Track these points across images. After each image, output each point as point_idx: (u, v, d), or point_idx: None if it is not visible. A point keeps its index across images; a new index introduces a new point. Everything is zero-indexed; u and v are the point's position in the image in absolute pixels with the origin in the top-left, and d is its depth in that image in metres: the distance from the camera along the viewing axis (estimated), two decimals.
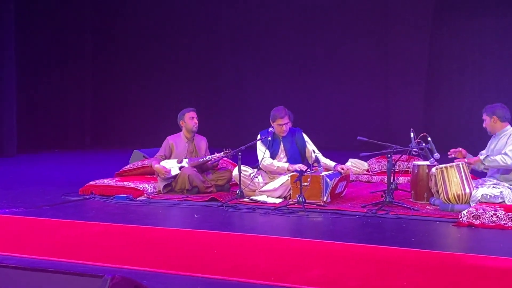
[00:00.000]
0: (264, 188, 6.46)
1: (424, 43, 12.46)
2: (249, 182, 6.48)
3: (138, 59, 14.71)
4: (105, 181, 7.05)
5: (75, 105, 14.47)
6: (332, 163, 6.47)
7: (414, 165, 6.33)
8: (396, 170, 6.52)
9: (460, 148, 6.08)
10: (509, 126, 5.86)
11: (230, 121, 13.91)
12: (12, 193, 7.16)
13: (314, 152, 6.40)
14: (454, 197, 5.62)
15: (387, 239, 4.73)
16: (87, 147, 14.45)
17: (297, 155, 6.59)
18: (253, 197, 6.34)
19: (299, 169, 6.13)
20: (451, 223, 5.23)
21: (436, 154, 5.91)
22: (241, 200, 6.29)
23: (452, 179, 5.66)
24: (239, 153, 6.41)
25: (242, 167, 6.44)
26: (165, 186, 6.86)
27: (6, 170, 9.77)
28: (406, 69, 12.63)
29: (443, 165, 5.77)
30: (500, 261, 4.05)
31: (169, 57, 14.52)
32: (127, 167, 7.63)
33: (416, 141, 6.13)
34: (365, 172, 8.00)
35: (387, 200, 5.83)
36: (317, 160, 6.16)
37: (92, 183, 7.01)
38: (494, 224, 5.07)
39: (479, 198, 5.49)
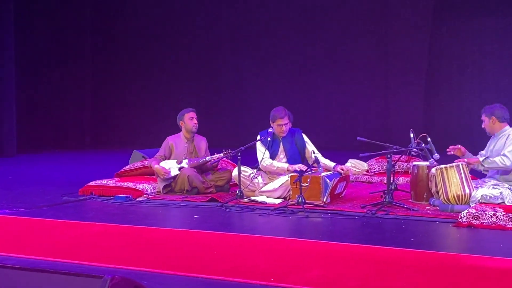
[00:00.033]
0: (264, 189, 6.46)
1: (424, 43, 12.46)
2: (248, 183, 6.48)
3: (138, 59, 14.71)
4: (105, 181, 7.05)
5: (75, 105, 14.47)
6: (331, 164, 6.47)
7: (413, 165, 6.33)
8: (395, 171, 6.52)
9: (459, 145, 6.08)
10: (508, 127, 5.86)
11: (230, 122, 13.92)
12: (12, 194, 7.17)
13: (314, 153, 6.39)
14: (454, 197, 5.62)
15: (386, 240, 4.73)
16: (87, 147, 14.45)
17: (296, 155, 6.59)
18: (252, 198, 6.34)
19: (299, 169, 6.13)
20: (451, 223, 5.23)
21: (436, 154, 5.91)
22: (241, 200, 6.29)
23: (452, 179, 5.66)
24: (239, 154, 6.41)
25: (242, 168, 6.44)
26: (164, 187, 6.85)
27: (6, 170, 9.77)
28: (406, 69, 12.64)
29: (442, 166, 5.77)
30: (500, 261, 4.05)
31: (169, 57, 14.53)
32: (127, 167, 7.63)
33: (415, 141, 6.13)
34: (365, 172, 8.00)
35: (386, 200, 5.83)
36: (316, 160, 6.16)
37: (91, 183, 7.01)
38: (493, 225, 5.07)
39: (478, 198, 5.49)
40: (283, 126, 6.51)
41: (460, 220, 5.16)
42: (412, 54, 12.55)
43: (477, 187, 5.69)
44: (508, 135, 5.77)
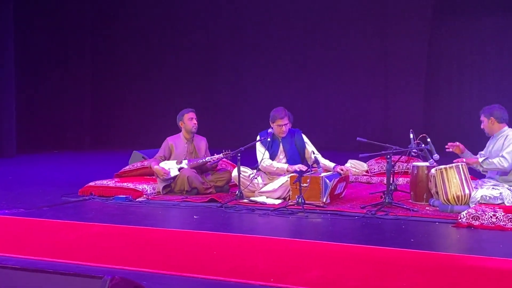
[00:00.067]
0: (264, 189, 6.46)
1: (424, 44, 12.46)
2: (248, 183, 6.48)
3: (138, 60, 14.71)
4: (105, 182, 7.04)
5: (74, 106, 14.45)
6: (331, 164, 6.47)
7: (413, 166, 6.33)
8: (395, 171, 6.52)
9: (457, 143, 6.06)
10: (506, 127, 5.86)
11: (229, 122, 13.91)
12: (11, 194, 7.16)
13: (314, 153, 6.39)
14: (454, 198, 5.62)
15: (386, 240, 4.73)
16: (87, 148, 14.44)
17: (296, 156, 6.59)
18: (252, 198, 6.34)
19: (298, 170, 6.14)
20: (451, 224, 5.24)
21: (436, 155, 5.91)
22: (241, 201, 6.29)
23: (452, 180, 5.66)
24: (239, 154, 6.41)
25: (242, 168, 6.44)
26: (164, 187, 6.85)
27: (6, 170, 9.76)
28: (406, 70, 12.64)
29: (442, 166, 5.77)
30: (500, 262, 4.05)
31: (169, 57, 14.52)
32: (127, 168, 7.62)
33: (415, 142, 6.13)
34: (365, 173, 8.00)
35: (386, 201, 5.83)
36: (316, 161, 6.16)
37: (91, 184, 7.01)
38: (493, 225, 5.07)
39: (478, 199, 5.50)
40: (283, 126, 6.52)
41: (460, 220, 5.16)
42: (412, 54, 12.55)
43: (476, 188, 5.69)
44: (507, 136, 5.77)
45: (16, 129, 12.08)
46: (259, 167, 6.53)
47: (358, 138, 6.32)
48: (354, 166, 7.95)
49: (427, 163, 6.09)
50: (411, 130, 6.22)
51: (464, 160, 5.88)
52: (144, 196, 6.72)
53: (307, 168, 6.21)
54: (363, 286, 3.57)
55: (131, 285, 2.56)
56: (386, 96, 12.90)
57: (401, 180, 7.17)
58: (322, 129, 12.39)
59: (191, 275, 3.78)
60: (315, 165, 6.13)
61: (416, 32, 12.51)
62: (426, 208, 5.88)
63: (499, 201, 5.46)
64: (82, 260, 4.10)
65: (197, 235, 4.95)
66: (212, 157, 6.89)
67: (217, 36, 14.25)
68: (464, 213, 5.20)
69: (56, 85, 14.02)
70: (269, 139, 6.52)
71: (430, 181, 5.98)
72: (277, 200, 6.32)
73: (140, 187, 6.82)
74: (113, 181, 7.07)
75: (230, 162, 7.63)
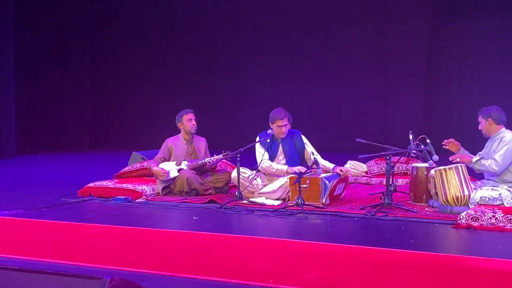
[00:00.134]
0: (263, 190, 6.46)
1: (424, 44, 12.46)
2: (248, 184, 6.48)
3: (138, 60, 14.70)
4: (104, 183, 7.04)
5: (74, 106, 14.44)
6: (330, 165, 6.47)
7: (413, 167, 6.33)
8: (395, 172, 6.52)
9: (452, 139, 6.05)
10: (504, 129, 5.86)
11: (229, 123, 13.91)
12: (11, 195, 7.16)
13: (313, 154, 6.39)
14: (453, 199, 5.62)
15: (386, 241, 4.74)
16: (86, 149, 14.43)
17: (296, 157, 6.59)
18: (252, 199, 6.34)
19: (298, 171, 6.13)
20: (450, 225, 5.24)
21: (435, 156, 5.91)
22: (240, 202, 6.29)
23: (451, 181, 5.66)
24: (238, 155, 6.41)
25: (241, 169, 6.44)
26: (163, 188, 6.85)
27: (5, 171, 9.76)
28: (406, 70, 12.63)
29: (442, 167, 5.77)
30: (499, 263, 4.05)
31: (169, 57, 14.52)
32: (126, 169, 7.62)
33: (415, 143, 6.13)
34: (364, 174, 7.99)
35: (386, 202, 5.84)
36: (316, 162, 6.16)
37: (91, 185, 7.01)
38: (492, 226, 5.07)
39: (477, 200, 5.50)
40: (283, 127, 6.52)
41: (459, 221, 5.16)
42: (412, 54, 12.55)
43: (476, 189, 5.69)
44: (501, 139, 5.76)
45: (15, 129, 12.06)
46: (259, 168, 6.53)
47: (357, 139, 6.32)
48: (354, 167, 7.95)
49: (426, 164, 6.09)
50: (410, 131, 6.22)
51: (458, 158, 5.87)
52: (144, 197, 6.72)
53: (306, 169, 6.21)
54: (363, 287, 3.57)
55: (131, 286, 2.56)
56: (385, 96, 12.90)
57: (400, 181, 7.17)
58: (321, 130, 12.39)
59: (190, 276, 3.78)
60: (314, 166, 6.13)
61: (416, 32, 12.51)
62: (426, 209, 5.88)
63: (499, 202, 5.46)
64: (82, 261, 4.11)
65: (196, 236, 4.95)
66: (211, 158, 6.89)
67: (217, 36, 14.25)
68: (463, 214, 5.20)
69: (56, 85, 14.01)
70: (268, 140, 6.52)
71: (430, 182, 5.98)
72: (277, 201, 6.32)
73: (140, 188, 6.82)
74: (113, 182, 7.07)
75: (230, 163, 7.63)
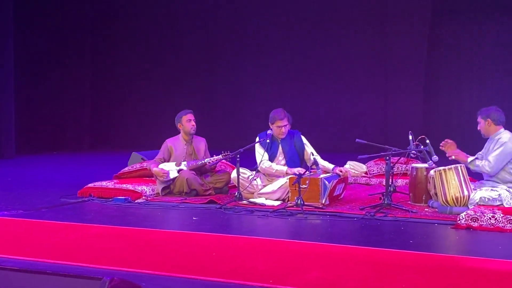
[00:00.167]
0: (263, 191, 6.46)
1: (423, 45, 12.46)
2: (247, 185, 6.48)
3: (138, 60, 14.69)
4: (104, 183, 7.04)
5: (74, 106, 14.44)
6: (330, 166, 6.47)
7: (412, 167, 6.33)
8: (394, 173, 6.52)
9: (447, 140, 6.02)
10: (502, 130, 5.85)
11: (229, 123, 13.91)
12: (10, 195, 7.16)
13: (313, 155, 6.39)
14: (453, 199, 5.62)
15: (385, 242, 4.74)
16: (86, 149, 14.43)
17: (295, 157, 6.59)
18: (251, 200, 6.34)
19: (297, 173, 6.13)
20: (450, 225, 5.24)
21: (435, 156, 5.91)
22: (240, 202, 6.29)
23: (451, 181, 5.66)
24: (238, 156, 6.42)
25: (241, 170, 6.44)
26: (163, 189, 6.85)
27: (5, 172, 9.76)
28: (405, 70, 12.63)
29: (441, 168, 5.77)
30: (498, 263, 4.06)
31: (169, 57, 14.52)
32: (126, 169, 7.62)
33: (414, 143, 6.13)
34: (364, 174, 7.99)
35: (385, 202, 5.84)
36: (315, 162, 6.16)
37: (90, 185, 7.01)
38: (492, 227, 5.08)
39: (477, 200, 5.50)
40: (282, 127, 6.52)
41: (459, 222, 5.16)
42: (411, 54, 12.54)
43: (475, 189, 5.70)
44: (498, 140, 5.76)
45: (15, 129, 12.06)
46: (258, 168, 6.53)
47: (357, 140, 6.32)
48: (353, 167, 7.94)
49: (426, 165, 6.09)
50: (410, 131, 6.22)
51: (452, 156, 5.87)
52: (143, 197, 6.72)
53: (305, 171, 6.21)
54: (362, 287, 3.58)
55: (130, 286, 2.56)
56: (385, 96, 12.90)
57: (400, 182, 7.17)
58: (321, 130, 12.39)
59: (190, 277, 3.79)
60: (314, 167, 6.13)
61: (416, 32, 12.51)
62: (425, 209, 5.89)
63: (498, 203, 5.46)
64: (81, 262, 4.11)
65: (196, 236, 4.95)
66: (211, 158, 6.89)
67: (217, 36, 14.24)
68: (463, 214, 5.20)
69: (55, 85, 14.00)
70: (268, 141, 6.52)
71: (429, 183, 5.98)
72: (276, 201, 6.32)
73: (139, 189, 6.82)
74: (112, 183, 7.07)
75: (229, 164, 7.63)
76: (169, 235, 5.09)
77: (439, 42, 12.33)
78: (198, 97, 13.84)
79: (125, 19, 14.74)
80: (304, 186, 5.90)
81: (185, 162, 6.89)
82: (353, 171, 7.86)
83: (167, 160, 6.99)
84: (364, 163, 7.99)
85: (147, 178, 7.29)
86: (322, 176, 6.06)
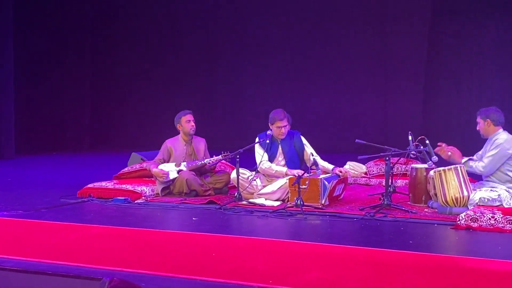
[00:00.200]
0: (262, 191, 6.46)
1: (423, 45, 12.46)
2: (247, 185, 6.48)
3: (137, 60, 14.69)
4: (103, 183, 7.04)
5: (74, 106, 14.43)
6: (330, 166, 6.47)
7: (412, 168, 6.34)
8: (394, 173, 6.52)
9: (441, 144, 6.00)
10: (501, 130, 5.85)
11: (228, 124, 13.91)
12: (10, 195, 7.16)
13: (312, 155, 6.39)
14: (452, 200, 5.63)
15: (385, 242, 4.74)
16: (86, 149, 14.43)
17: (295, 158, 6.59)
18: (251, 200, 6.34)
19: (297, 175, 6.13)
20: (449, 226, 5.24)
21: (434, 157, 5.91)
22: (239, 203, 6.29)
23: (450, 182, 5.66)
24: (237, 156, 6.42)
25: (240, 170, 6.44)
26: (163, 189, 6.85)
27: (5, 172, 9.76)
28: (405, 70, 12.62)
29: (441, 168, 5.77)
30: (498, 264, 4.06)
31: (169, 57, 14.52)
32: (125, 169, 7.62)
33: (414, 144, 6.13)
34: (363, 175, 7.99)
35: (385, 203, 5.84)
36: (315, 163, 6.16)
37: (90, 185, 7.01)
38: (492, 227, 5.08)
39: (477, 201, 5.51)
40: (282, 128, 6.52)
41: (459, 222, 5.17)
42: (411, 54, 12.53)
43: (475, 190, 5.70)
44: (494, 141, 5.76)
45: (15, 130, 12.06)
46: (258, 169, 6.53)
47: (357, 140, 6.32)
48: (353, 168, 7.95)
49: (425, 165, 6.09)
50: (409, 132, 6.22)
51: (449, 153, 5.86)
52: (143, 198, 6.72)
53: (305, 172, 6.21)
54: None
55: (130, 286, 2.56)
56: (385, 96, 12.90)
57: (399, 182, 7.17)
58: (321, 130, 12.39)
59: (190, 277, 3.79)
60: (314, 167, 6.14)
61: (416, 32, 12.51)
62: (425, 210, 5.89)
63: (498, 203, 5.46)
64: (81, 262, 4.11)
65: (196, 237, 4.96)
66: (211, 159, 6.89)
67: (217, 36, 14.24)
68: (462, 215, 5.20)
69: (55, 85, 14.00)
70: (268, 141, 6.52)
71: (429, 183, 5.98)
72: (276, 202, 6.32)
73: (139, 189, 6.82)
74: (112, 183, 7.07)
75: (229, 164, 7.63)
76: (169, 235, 5.09)
77: (439, 42, 12.33)
78: (198, 97, 13.84)
79: (125, 19, 14.74)
80: (303, 186, 5.91)
81: (184, 163, 6.89)
82: (353, 171, 7.86)
83: (167, 160, 6.99)
84: (363, 163, 7.99)
85: (147, 179, 7.29)
86: (321, 176, 6.06)
